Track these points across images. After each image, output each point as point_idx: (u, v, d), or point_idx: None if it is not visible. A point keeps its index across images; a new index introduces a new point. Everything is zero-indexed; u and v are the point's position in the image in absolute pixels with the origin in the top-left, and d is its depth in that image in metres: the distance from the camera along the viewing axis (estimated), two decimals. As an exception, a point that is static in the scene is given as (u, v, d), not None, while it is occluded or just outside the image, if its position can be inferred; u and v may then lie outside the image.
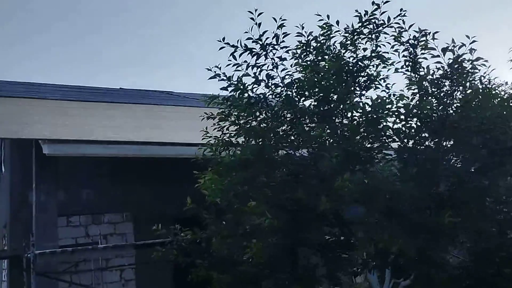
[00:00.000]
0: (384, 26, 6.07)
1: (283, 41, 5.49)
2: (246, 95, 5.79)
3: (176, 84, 62.52)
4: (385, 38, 6.25)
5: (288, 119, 6.15)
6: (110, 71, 51.67)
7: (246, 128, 6.08)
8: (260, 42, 5.47)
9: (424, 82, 6.27)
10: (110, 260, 11.00)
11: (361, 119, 5.66)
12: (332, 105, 6.22)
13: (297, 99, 5.97)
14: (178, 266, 6.96)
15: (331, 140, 5.80)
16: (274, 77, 5.74)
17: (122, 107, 16.09)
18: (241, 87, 5.68)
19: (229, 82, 5.66)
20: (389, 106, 5.34)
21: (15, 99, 14.61)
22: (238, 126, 6.30)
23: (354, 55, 6.12)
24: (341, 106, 6.10)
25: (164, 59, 54.52)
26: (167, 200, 12.06)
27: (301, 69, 5.86)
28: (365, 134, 5.69)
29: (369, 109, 5.56)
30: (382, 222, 4.61)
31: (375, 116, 5.20)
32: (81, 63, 51.54)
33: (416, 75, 6.46)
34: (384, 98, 5.37)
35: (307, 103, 6.34)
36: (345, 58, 5.97)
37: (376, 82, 6.47)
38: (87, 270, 10.53)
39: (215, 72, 5.69)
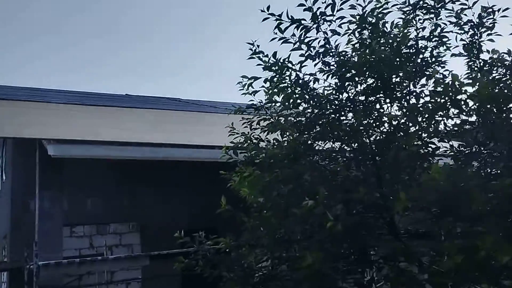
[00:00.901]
0: (447, 1, 5.26)
1: (342, 9, 4.62)
2: (294, 75, 4.91)
3: (183, 92, 62.27)
4: (446, 16, 5.46)
5: (334, 107, 5.29)
6: (114, 78, 51.27)
7: (283, 121, 5.23)
8: (312, 12, 4.60)
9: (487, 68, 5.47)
10: (115, 273, 10.22)
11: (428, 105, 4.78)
12: (381, 93, 5.39)
13: (347, 84, 5.11)
14: (186, 279, 6.11)
15: (390, 130, 4.91)
16: (329, 53, 4.84)
17: (129, 112, 15.36)
18: (289, 65, 4.80)
19: (274, 60, 4.77)
20: (466, 88, 4.48)
21: (18, 102, 13.88)
22: (271, 121, 5.48)
23: (413, 35, 5.28)
24: (396, 93, 5.27)
25: (170, 66, 54.15)
26: (176, 209, 11.35)
27: (355, 49, 5.00)
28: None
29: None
30: (471, 226, 3.74)
31: (451, 99, 4.34)
32: (83, 68, 51.18)
33: (479, 61, 5.68)
34: (461, 79, 4.51)
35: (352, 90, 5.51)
36: (405, 38, 5.12)
37: (431, 69, 5.66)
38: (92, 284, 9.74)
39: (255, 49, 4.81)
